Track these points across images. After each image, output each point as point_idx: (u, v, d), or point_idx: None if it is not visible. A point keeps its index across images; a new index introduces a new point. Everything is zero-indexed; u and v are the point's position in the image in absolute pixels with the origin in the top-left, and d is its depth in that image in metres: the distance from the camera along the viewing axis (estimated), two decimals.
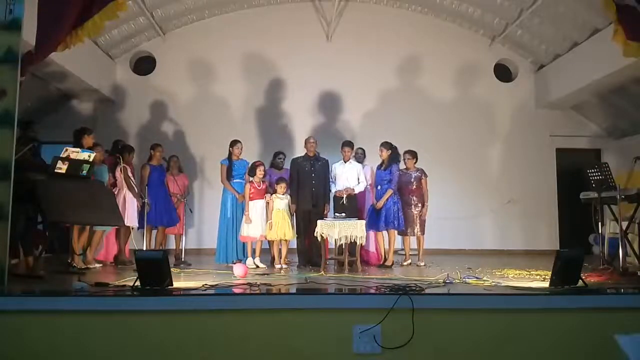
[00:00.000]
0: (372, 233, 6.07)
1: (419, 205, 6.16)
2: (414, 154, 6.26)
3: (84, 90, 7.49)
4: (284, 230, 5.78)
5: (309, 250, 6.00)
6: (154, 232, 6.28)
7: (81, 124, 6.14)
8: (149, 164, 6.31)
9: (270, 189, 6.01)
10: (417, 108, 8.21)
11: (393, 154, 6.02)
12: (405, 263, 6.14)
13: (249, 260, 5.81)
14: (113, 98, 7.99)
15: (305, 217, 5.97)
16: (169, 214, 6.27)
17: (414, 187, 6.17)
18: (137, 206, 6.08)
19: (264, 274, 5.12)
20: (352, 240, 5.42)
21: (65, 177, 4.44)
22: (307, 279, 4.61)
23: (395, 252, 6.65)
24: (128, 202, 6.03)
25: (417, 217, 6.12)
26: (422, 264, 6.09)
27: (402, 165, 6.13)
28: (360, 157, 6.44)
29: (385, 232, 6.05)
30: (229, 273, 4.99)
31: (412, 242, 6.24)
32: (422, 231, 6.15)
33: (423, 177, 6.22)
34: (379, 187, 6.01)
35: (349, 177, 6.01)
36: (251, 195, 5.89)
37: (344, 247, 5.54)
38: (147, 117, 8.02)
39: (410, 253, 6.21)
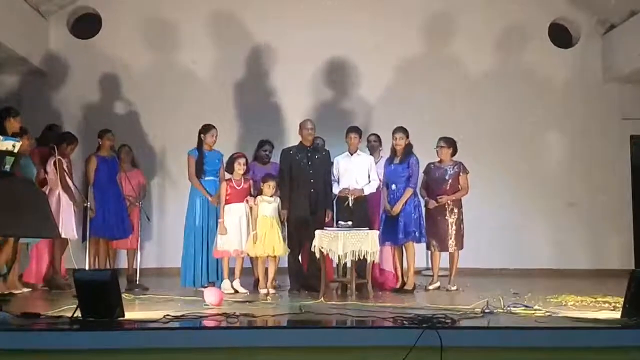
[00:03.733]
0: (387, 247, 6.09)
1: (455, 210, 6.15)
2: (450, 142, 6.28)
3: (6, 59, 7.43)
4: (271, 243, 5.79)
5: (305, 270, 6.03)
6: (100, 245, 6.30)
7: (3, 104, 6.14)
8: (97, 155, 6.33)
9: (254, 190, 6.02)
10: (447, 82, 8.17)
11: (409, 144, 6.08)
12: (431, 287, 6.17)
13: (225, 284, 5.83)
14: (45, 69, 7.94)
15: (300, 227, 5.98)
16: (120, 223, 6.31)
17: (449, 186, 6.18)
18: (75, 211, 6.08)
19: (245, 302, 5.15)
20: (362, 257, 5.44)
21: None
22: (302, 308, 4.64)
23: (419, 272, 6.70)
24: (64, 206, 6.06)
25: (452, 226, 6.14)
26: (454, 287, 6.11)
27: (417, 157, 6.12)
28: (374, 147, 6.47)
29: (405, 246, 6.07)
30: (199, 300, 5.01)
31: (442, 259, 6.27)
32: (460, 245, 6.19)
33: (462, 173, 6.23)
34: (393, 187, 6.04)
35: (357, 173, 6.04)
36: (228, 198, 5.90)
37: (350, 265, 5.57)
38: (92, 95, 7.96)
39: (439, 273, 6.23)
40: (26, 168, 5.61)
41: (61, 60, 7.98)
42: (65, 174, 6.03)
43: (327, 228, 5.66)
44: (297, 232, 5.99)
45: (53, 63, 7.95)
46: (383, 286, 6.07)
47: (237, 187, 5.90)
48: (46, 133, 6.38)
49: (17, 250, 5.55)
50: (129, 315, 3.75)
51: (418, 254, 6.22)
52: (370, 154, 6.33)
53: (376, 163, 6.24)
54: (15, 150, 4.49)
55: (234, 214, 5.86)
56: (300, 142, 6.17)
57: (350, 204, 5.86)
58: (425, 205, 6.23)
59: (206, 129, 6.15)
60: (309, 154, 6.07)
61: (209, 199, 6.04)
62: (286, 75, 8.06)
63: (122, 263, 6.81)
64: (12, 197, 4.31)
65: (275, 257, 5.88)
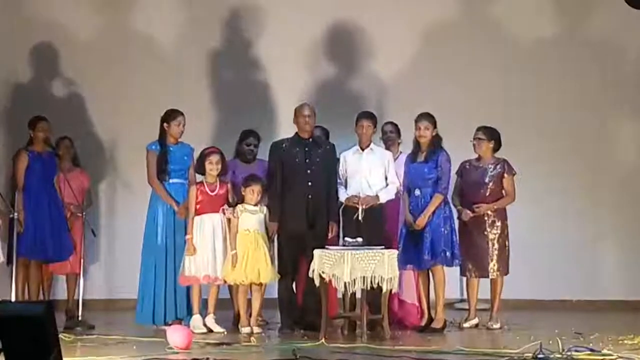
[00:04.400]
0: (409, 272, 6.08)
1: (498, 223, 6.14)
2: (492, 134, 6.29)
3: None
4: (256, 267, 5.78)
5: (300, 303, 6.02)
6: (31, 269, 6.29)
7: None
8: (28, 151, 6.36)
9: (234, 196, 6.01)
10: (488, 54, 8.14)
11: (438, 136, 6.09)
12: (467, 324, 6.18)
13: (196, 320, 5.82)
14: None
15: (295, 245, 5.98)
16: (58, 240, 6.32)
17: (489, 191, 6.16)
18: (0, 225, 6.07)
19: (222, 344, 5.13)
20: (375, 285, 5.41)
21: None
22: (297, 353, 4.60)
23: (451, 304, 6.70)
24: None
25: (493, 244, 6.11)
26: (497, 325, 6.11)
27: (448, 154, 6.11)
28: (391, 140, 6.48)
29: (432, 271, 6.04)
30: (162, 342, 4.99)
31: (482, 287, 6.24)
32: (504, 270, 6.19)
33: (507, 175, 6.22)
34: (417, 192, 6.02)
35: (370, 174, 6.03)
36: (199, 207, 5.88)
37: (360, 296, 5.55)
38: (20, 72, 7.94)
39: (477, 307, 6.22)
40: None
41: None
42: None
43: (330, 247, 5.65)
44: (291, 252, 5.97)
45: None
46: (403, 323, 6.08)
47: (210, 193, 5.90)
48: None
49: None
50: None
51: (450, 281, 6.20)
52: (387, 149, 6.34)
53: (395, 161, 6.24)
54: None
55: (206, 228, 5.85)
56: (296, 133, 6.17)
57: (361, 215, 5.85)
58: (459, 217, 6.23)
59: (170, 115, 6.15)
60: (307, 149, 6.07)
61: (175, 208, 6.03)
62: (276, 45, 8.03)
63: (60, 293, 6.77)
64: None
65: (261, 285, 5.87)
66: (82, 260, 6.43)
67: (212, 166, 5.90)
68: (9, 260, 6.07)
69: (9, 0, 7.87)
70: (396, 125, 6.55)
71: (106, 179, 7.88)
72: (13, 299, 5.92)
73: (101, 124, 7.92)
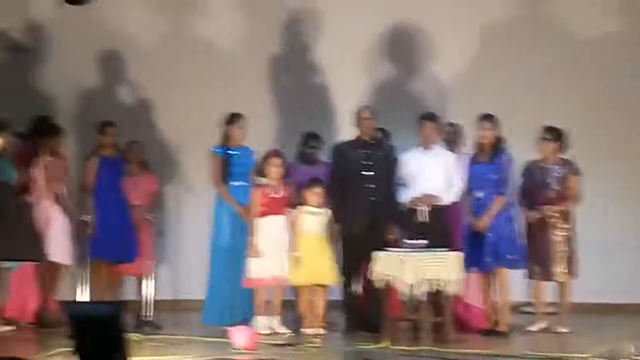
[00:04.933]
0: (473, 275, 6.05)
1: (564, 225, 6.06)
2: (557, 134, 6.22)
3: None
4: (319, 269, 5.83)
5: (364, 305, 6.00)
6: (100, 270, 6.42)
7: None
8: (97, 155, 6.50)
9: (298, 197, 6.04)
10: (550, 54, 7.99)
11: (501, 137, 6.05)
12: (534, 327, 6.11)
13: (260, 321, 5.85)
14: (29, 44, 8.13)
15: (357, 247, 5.96)
16: (126, 242, 6.44)
17: (555, 192, 6.06)
18: (69, 228, 6.20)
19: (286, 345, 5.14)
20: (440, 288, 5.39)
21: None
22: (361, 355, 4.72)
23: (517, 308, 6.55)
24: (54, 221, 6.17)
25: (560, 246, 6.05)
26: (565, 329, 6.02)
27: (510, 154, 6.08)
28: (452, 141, 6.48)
29: (495, 274, 6.00)
30: (227, 343, 5.03)
31: (549, 290, 6.21)
32: (572, 273, 6.10)
33: (572, 176, 6.13)
34: (478, 194, 6.00)
35: (433, 175, 6.00)
36: (262, 209, 5.92)
37: (424, 299, 5.51)
38: (88, 78, 8.09)
39: (544, 310, 6.17)
40: (5, 172, 5.77)
41: (49, 33, 8.10)
42: (56, 179, 6.16)
43: (393, 249, 5.64)
44: (353, 254, 5.97)
45: (38, 36, 8.08)
46: (468, 326, 6.05)
47: (273, 195, 5.94)
48: (35, 128, 6.51)
49: None
50: None
51: (516, 284, 6.15)
52: (451, 151, 6.33)
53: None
54: None
55: (269, 230, 5.89)
56: (357, 135, 6.19)
57: (425, 217, 5.84)
58: (523, 219, 6.15)
59: (232, 119, 6.22)
60: (368, 151, 6.08)
61: (239, 210, 6.09)
62: (336, 48, 8.06)
63: (129, 294, 6.91)
64: None
65: (324, 286, 5.89)
66: (150, 262, 6.55)
67: (275, 169, 5.93)
68: (80, 262, 6.20)
69: (74, 9, 7.91)
70: (459, 127, 6.54)
71: (172, 182, 7.95)
72: (84, 300, 6.08)
73: (167, 128, 8.06)
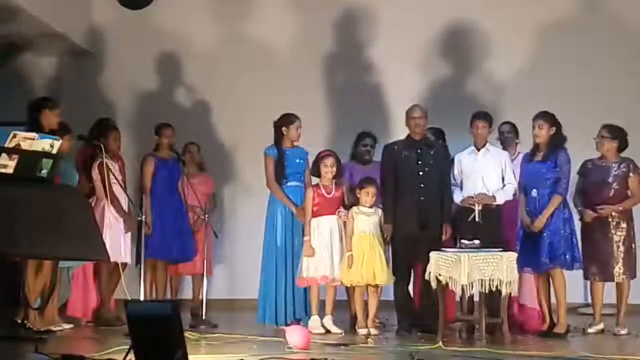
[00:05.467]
0: (529, 276, 6.01)
1: (623, 225, 5.98)
2: (617, 132, 6.12)
3: (41, 37, 7.71)
4: (372, 268, 5.80)
5: (417, 305, 6.04)
6: (157, 270, 6.51)
7: (38, 93, 6.46)
8: (154, 156, 6.57)
9: (350, 197, 6.05)
10: (608, 52, 7.87)
11: (558, 134, 5.94)
12: (592, 329, 6.06)
13: (314, 321, 5.89)
14: (89, 49, 8.23)
15: (410, 247, 5.99)
16: (183, 241, 6.52)
17: (614, 191, 5.99)
18: (127, 227, 6.32)
19: (340, 345, 5.17)
20: (494, 289, 5.38)
21: (13, 179, 4.56)
22: (415, 355, 4.65)
23: (574, 309, 6.55)
24: (112, 221, 6.29)
25: (618, 246, 5.97)
26: (624, 331, 5.94)
27: (568, 153, 6.00)
28: (508, 140, 6.44)
29: (551, 275, 5.93)
30: (281, 342, 5.09)
31: (607, 291, 6.08)
32: (631, 273, 6.02)
33: (632, 174, 6.05)
34: (534, 193, 5.94)
35: (486, 175, 5.99)
36: (315, 209, 5.94)
37: (478, 299, 5.53)
38: (146, 80, 8.23)
39: (602, 311, 6.10)
40: (67, 173, 5.81)
41: (108, 37, 8.25)
42: (114, 179, 6.25)
43: (447, 249, 5.63)
44: (406, 254, 5.98)
45: (98, 40, 8.23)
46: (524, 328, 6.02)
47: (326, 195, 5.96)
48: (95, 130, 6.57)
49: (57, 277, 5.85)
50: (193, 359, 3.83)
51: (574, 284, 6.11)
52: (504, 149, 6.28)
53: (513, 161, 6.19)
54: (54, 151, 4.70)
55: (323, 230, 5.92)
56: (408, 135, 6.17)
57: (477, 217, 5.78)
58: (581, 219, 6.07)
59: (287, 120, 6.21)
60: (419, 151, 6.05)
61: (294, 210, 6.11)
62: (390, 47, 8.05)
63: (185, 293, 6.99)
64: (50, 209, 4.49)
65: (377, 286, 5.87)
66: (206, 262, 6.63)
67: (328, 169, 5.94)
68: (137, 261, 6.25)
69: (133, 14, 7.99)
70: (514, 125, 6.47)
71: (228, 183, 8.06)
72: (141, 299, 6.05)
73: (223, 130, 8.14)
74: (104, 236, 5.97)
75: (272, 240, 6.14)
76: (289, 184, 6.19)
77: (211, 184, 7.05)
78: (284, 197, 6.14)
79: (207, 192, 6.85)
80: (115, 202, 6.26)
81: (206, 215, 6.63)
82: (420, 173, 6.00)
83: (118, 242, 6.27)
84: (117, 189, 6.30)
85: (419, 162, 6.02)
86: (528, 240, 5.90)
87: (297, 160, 6.22)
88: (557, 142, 5.92)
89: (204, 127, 8.04)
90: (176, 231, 6.49)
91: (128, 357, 3.70)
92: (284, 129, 6.21)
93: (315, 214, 5.92)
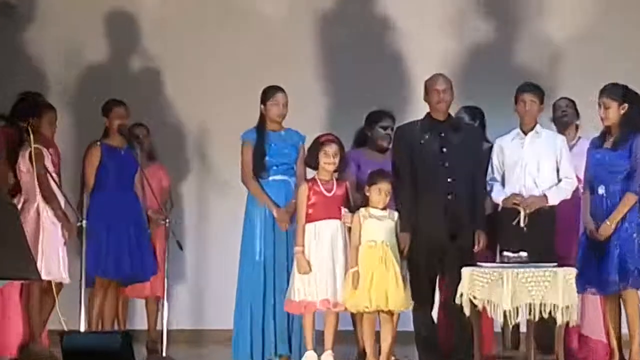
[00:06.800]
0: (592, 299, 6.02)
1: None
2: None
3: None
4: (384, 290, 5.76)
5: (445, 338, 6.06)
6: (107, 293, 6.53)
7: None
8: (102, 143, 6.60)
9: (358, 197, 6.04)
10: None
11: (633, 113, 5.88)
12: None
13: (309, 358, 5.89)
14: (13, 1, 8.16)
15: (433, 261, 6.02)
16: (139, 255, 6.57)
17: None
18: (65, 235, 6.28)
19: None
20: (547, 315, 5.39)
21: None
22: None
23: None
24: (50, 228, 6.28)
25: None
26: None
27: None
28: (565, 121, 6.49)
29: (622, 297, 5.91)
30: None
31: None
32: None
33: None
34: (601, 190, 5.92)
35: (534, 166, 6.04)
36: (311, 212, 5.92)
37: (526, 330, 5.62)
38: (89, 45, 8.22)
39: None
40: None
41: None
42: (49, 174, 6.25)
43: (484, 264, 5.62)
44: (428, 271, 6.00)
45: None
46: None
47: (326, 193, 5.92)
48: (19, 107, 6.53)
49: None
50: None
51: None
52: (559, 133, 6.29)
53: (571, 149, 6.23)
54: None
55: (322, 239, 5.88)
56: (427, 114, 6.15)
57: (524, 222, 5.80)
58: None
59: (268, 93, 6.22)
60: (443, 134, 6.05)
61: (274, 212, 6.11)
62: (415, 3, 8.11)
63: (139, 321, 7.05)
64: None
65: (391, 313, 5.83)
66: (165, 281, 6.59)
67: (329, 159, 5.89)
68: (85, 283, 6.20)
69: None
70: (573, 102, 6.53)
71: (192, 177, 8.11)
72: (82, 329, 6.08)
73: (185, 109, 8.17)
74: (37, 247, 6.00)
75: (250, 253, 6.14)
76: (271, 178, 6.20)
77: (166, 177, 7.13)
78: (261, 195, 6.14)
79: (161, 187, 6.92)
80: (54, 201, 6.27)
81: (167, 220, 6.60)
82: (447, 164, 6.01)
83: (55, 255, 6.29)
84: (53, 186, 6.30)
85: (444, 150, 6.03)
86: (592, 251, 5.88)
87: (285, 148, 6.24)
88: (631, 123, 5.88)
89: (160, 106, 8.12)
90: (129, 241, 6.52)
91: None
92: (261, 106, 6.23)
93: (311, 218, 5.88)
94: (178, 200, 7.63)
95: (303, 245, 5.87)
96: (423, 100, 6.68)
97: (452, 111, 6.30)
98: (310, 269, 5.83)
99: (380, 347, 5.87)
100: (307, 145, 6.24)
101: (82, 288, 6.20)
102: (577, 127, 6.50)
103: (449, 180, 5.99)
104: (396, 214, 5.92)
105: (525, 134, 6.03)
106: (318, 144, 5.98)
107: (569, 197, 6.01)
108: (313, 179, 6.00)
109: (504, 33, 8.14)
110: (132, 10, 8.25)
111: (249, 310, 6.10)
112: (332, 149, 5.93)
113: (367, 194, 5.87)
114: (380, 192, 5.81)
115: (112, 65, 8.25)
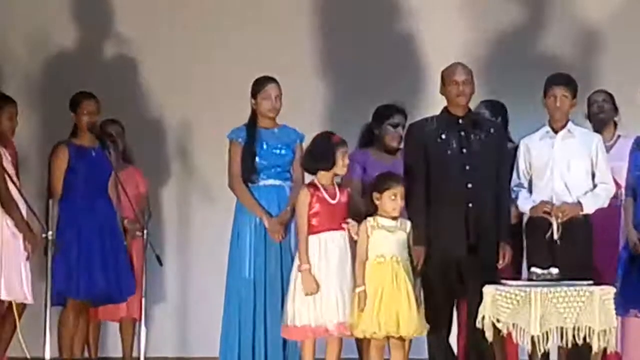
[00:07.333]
0: (635, 321, 5.99)
1: None
2: None
3: None
4: (394, 312, 5.70)
5: None
6: (77, 315, 6.56)
7: None
8: (70, 143, 6.61)
9: (365, 204, 6.00)
10: None
11: None
12: None
13: None
14: None
15: (451, 278, 6.00)
16: (115, 272, 6.57)
17: None
18: (28, 249, 6.25)
19: None
20: (581, 341, 5.35)
21: None
22: None
23: None
24: (10, 240, 6.24)
25: None
26: None
27: None
28: (602, 118, 6.56)
29: None
30: None
31: None
32: None
33: None
34: None
35: (566, 169, 6.03)
36: (314, 222, 5.87)
37: (557, 358, 5.73)
38: (54, 27, 8.27)
39: None
40: None
41: None
42: (9, 177, 6.16)
43: (509, 281, 5.59)
44: (445, 290, 5.97)
45: None
46: None
47: (330, 201, 5.86)
48: None
49: None
50: None
51: None
52: (595, 132, 6.27)
53: (609, 150, 6.24)
54: None
55: (329, 253, 5.83)
56: (444, 109, 6.11)
57: (557, 234, 5.76)
58: None
59: (259, 85, 6.22)
60: (462, 133, 6.02)
61: (265, 222, 6.10)
62: None
63: (112, 348, 7.04)
64: None
65: (403, 340, 5.79)
66: (143, 302, 6.64)
67: (345, 162, 5.87)
68: (53, 302, 6.13)
69: None
70: (611, 96, 6.57)
71: (173, 182, 8.17)
72: (47, 358, 6.00)
73: (165, 104, 8.22)
74: None
75: (239, 269, 6.11)
76: (262, 182, 6.17)
77: (142, 182, 7.19)
78: (250, 202, 6.11)
79: (137, 193, 6.95)
80: (14, 210, 6.18)
81: (144, 231, 6.60)
82: (467, 167, 5.97)
83: (16, 272, 6.22)
84: (13, 191, 6.21)
85: (464, 151, 5.98)
86: (634, 267, 5.90)
87: (278, 148, 6.20)
88: None
89: (137, 98, 8.19)
90: (104, 255, 6.52)
91: None
92: (252, 100, 6.24)
93: (314, 229, 5.82)
94: (157, 209, 7.72)
95: (309, 263, 5.79)
96: (439, 93, 6.67)
97: (472, 106, 6.26)
98: (317, 289, 5.76)
99: None
100: (305, 146, 6.18)
101: (47, 309, 6.04)
102: (615, 125, 6.54)
103: (469, 185, 5.97)
104: (409, 224, 5.83)
105: (556, 132, 6.00)
106: (332, 143, 5.88)
107: (606, 204, 5.98)
108: (313, 184, 5.91)
109: (532, 16, 8.18)
110: None
111: (237, 336, 6.07)
112: (347, 149, 5.93)
113: (377, 201, 5.78)
114: (394, 198, 5.73)
115: (86, 50, 8.28)
